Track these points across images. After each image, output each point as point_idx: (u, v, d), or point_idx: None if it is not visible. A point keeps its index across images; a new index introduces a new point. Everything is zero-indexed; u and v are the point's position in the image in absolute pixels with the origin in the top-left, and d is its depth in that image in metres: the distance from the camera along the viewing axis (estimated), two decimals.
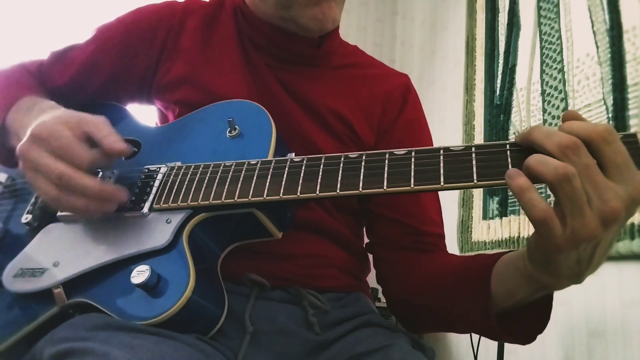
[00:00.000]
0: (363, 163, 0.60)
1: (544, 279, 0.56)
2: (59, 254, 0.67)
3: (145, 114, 0.88)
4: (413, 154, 0.58)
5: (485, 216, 2.22)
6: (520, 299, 0.62)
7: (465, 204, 2.37)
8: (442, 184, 0.55)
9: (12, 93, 0.77)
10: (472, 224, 2.32)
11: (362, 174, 0.59)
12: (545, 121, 1.88)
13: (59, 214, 0.70)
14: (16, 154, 0.64)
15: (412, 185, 0.56)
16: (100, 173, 0.75)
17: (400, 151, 0.59)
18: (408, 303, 0.81)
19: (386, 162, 0.59)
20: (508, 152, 0.54)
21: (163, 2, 0.89)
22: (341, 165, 0.61)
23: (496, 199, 2.15)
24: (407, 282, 0.80)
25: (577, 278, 0.54)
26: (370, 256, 0.88)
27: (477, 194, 2.30)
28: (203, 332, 0.63)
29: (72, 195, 0.61)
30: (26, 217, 0.72)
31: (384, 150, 0.60)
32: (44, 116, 0.67)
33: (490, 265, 0.66)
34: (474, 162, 0.54)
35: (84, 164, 0.62)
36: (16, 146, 0.65)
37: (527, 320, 0.64)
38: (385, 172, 0.58)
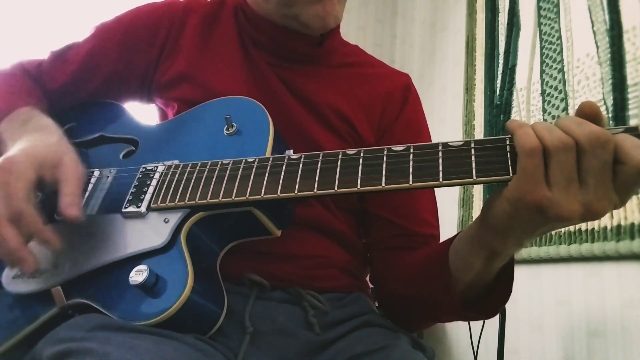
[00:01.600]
0: (361, 160, 0.60)
1: (492, 240, 0.57)
2: (58, 255, 0.67)
3: (144, 113, 0.88)
4: (411, 150, 0.58)
5: None
6: (479, 269, 0.62)
7: (465, 204, 2.36)
8: (441, 180, 0.54)
9: (11, 99, 0.77)
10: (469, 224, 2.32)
11: (360, 171, 0.59)
12: (545, 121, 1.88)
13: (57, 215, 0.70)
14: None
15: (410, 182, 0.56)
16: (99, 171, 0.75)
17: (399, 147, 0.59)
18: (392, 298, 0.81)
19: (384, 158, 0.59)
20: (507, 147, 0.53)
21: (163, 1, 0.89)
22: (339, 162, 0.61)
23: None
24: (391, 278, 0.80)
25: (521, 245, 0.57)
26: None
27: (477, 194, 2.29)
28: (202, 331, 0.63)
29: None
30: None
31: (382, 147, 0.60)
32: (32, 137, 0.67)
33: (448, 243, 0.68)
34: (473, 158, 0.54)
35: (11, 211, 0.59)
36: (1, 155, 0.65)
37: (489, 295, 0.66)
38: (384, 169, 0.58)
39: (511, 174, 0.52)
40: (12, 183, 0.60)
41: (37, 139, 0.67)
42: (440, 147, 0.57)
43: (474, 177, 0.53)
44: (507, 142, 0.54)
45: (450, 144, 0.56)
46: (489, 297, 0.66)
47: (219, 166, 0.66)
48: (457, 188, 2.42)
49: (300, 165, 0.62)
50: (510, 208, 0.52)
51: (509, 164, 0.52)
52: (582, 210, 0.49)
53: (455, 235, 0.68)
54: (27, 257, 0.61)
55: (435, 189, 0.86)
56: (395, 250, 0.82)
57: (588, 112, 0.51)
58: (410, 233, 0.82)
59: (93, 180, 0.74)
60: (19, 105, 0.76)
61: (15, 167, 0.62)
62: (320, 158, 0.62)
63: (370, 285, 0.90)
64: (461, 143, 0.56)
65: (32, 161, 0.63)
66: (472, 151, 0.55)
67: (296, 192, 0.60)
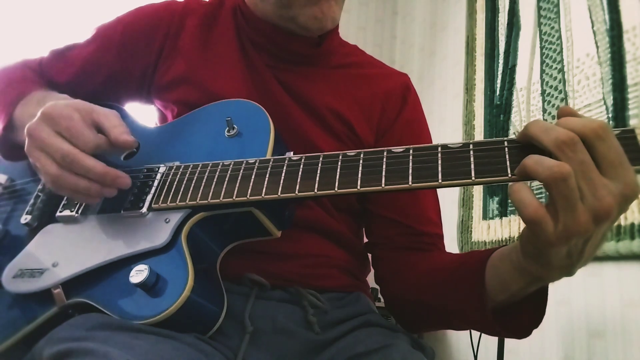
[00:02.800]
0: (361, 161, 0.60)
1: (535, 271, 0.56)
2: (58, 254, 0.67)
3: (145, 114, 0.88)
4: (411, 151, 0.58)
5: (485, 216, 2.22)
6: (515, 291, 0.62)
7: (465, 204, 2.36)
8: (440, 181, 0.55)
9: (19, 88, 0.77)
10: (472, 224, 2.32)
11: (360, 172, 0.59)
12: (545, 121, 1.88)
13: (58, 214, 0.70)
14: (25, 133, 0.64)
15: (410, 183, 0.56)
16: None
17: (398, 149, 0.59)
18: (405, 301, 0.81)
19: (384, 159, 0.59)
20: (506, 149, 0.54)
21: (162, 2, 0.89)
22: (339, 163, 0.61)
23: (496, 199, 2.15)
24: (404, 281, 0.80)
25: (569, 270, 0.55)
26: (369, 256, 0.88)
27: (477, 194, 2.29)
28: (202, 331, 0.63)
29: (74, 176, 0.62)
30: (25, 218, 0.72)
31: (382, 148, 0.60)
32: (57, 101, 0.68)
33: (484, 260, 0.66)
34: (472, 159, 0.54)
35: (88, 146, 0.63)
36: (22, 140, 0.66)
37: (522, 313, 0.65)
38: (384, 170, 0.58)
39: (509, 175, 0.52)
40: (71, 124, 0.63)
41: (60, 101, 0.68)
42: (439, 149, 0.57)
43: (473, 178, 0.53)
44: (506, 143, 0.54)
45: (449, 145, 0.57)
46: (522, 318, 0.65)
47: (220, 167, 0.66)
48: (457, 188, 2.42)
49: (301, 166, 0.62)
50: (534, 250, 0.53)
51: (508, 165, 0.52)
52: (592, 218, 0.48)
53: (488, 252, 0.67)
54: (119, 173, 0.64)
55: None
56: (402, 250, 0.82)
57: (568, 114, 0.51)
58: (416, 232, 0.82)
59: None
60: (31, 90, 0.77)
61: (62, 112, 0.64)
62: (321, 159, 0.62)
63: (370, 285, 0.90)
64: (460, 144, 0.56)
65: (71, 106, 0.65)
66: (471, 152, 0.55)
67: (297, 192, 0.60)
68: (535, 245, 0.52)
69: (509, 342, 1.80)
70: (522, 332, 0.65)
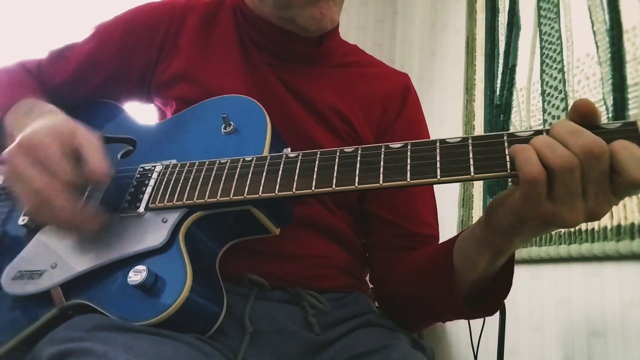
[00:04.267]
0: (359, 157, 0.60)
1: (498, 241, 0.58)
2: (57, 255, 0.67)
3: (143, 113, 0.88)
4: (409, 147, 0.58)
5: None
6: (483, 268, 0.63)
7: (465, 204, 2.36)
8: (439, 177, 0.54)
9: (11, 93, 0.77)
10: (472, 224, 2.32)
11: (357, 168, 0.59)
12: (545, 121, 1.87)
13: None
14: (1, 159, 0.63)
15: (408, 180, 0.56)
16: None
17: (396, 144, 0.59)
18: (393, 299, 0.81)
19: (382, 156, 0.59)
20: (505, 144, 0.53)
21: (163, 1, 0.89)
22: (337, 160, 0.61)
23: None
24: (392, 279, 0.80)
25: (527, 241, 0.58)
26: None
27: (477, 193, 2.29)
28: (202, 331, 0.63)
29: (48, 211, 0.61)
30: (23, 219, 0.72)
31: (380, 144, 0.60)
32: (40, 121, 0.67)
33: (451, 244, 0.68)
34: (470, 155, 0.54)
35: (62, 179, 0.61)
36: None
37: (490, 291, 0.67)
38: (381, 166, 0.58)
39: (509, 171, 0.52)
40: (46, 154, 0.61)
41: (44, 120, 0.67)
42: (437, 144, 0.57)
43: (472, 174, 0.53)
44: (505, 138, 0.54)
45: (447, 140, 0.56)
46: (489, 294, 0.67)
47: (216, 165, 0.66)
48: (457, 188, 2.41)
49: (298, 163, 0.62)
50: (515, 219, 0.54)
51: (507, 160, 0.52)
52: (585, 216, 0.50)
53: (457, 236, 0.69)
54: (85, 220, 0.63)
55: (435, 189, 0.86)
56: (396, 250, 0.82)
57: (583, 111, 0.51)
58: (411, 233, 0.82)
59: None
60: (20, 97, 0.76)
61: (38, 141, 0.62)
62: (318, 156, 0.62)
63: (371, 285, 0.90)
64: (459, 139, 0.56)
65: (50, 133, 0.63)
66: (470, 147, 0.55)
67: (294, 190, 0.60)
68: (517, 212, 0.53)
69: (508, 342, 1.80)
70: (490, 307, 0.67)
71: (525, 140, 0.52)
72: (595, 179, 0.48)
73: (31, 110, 0.73)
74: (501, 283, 0.66)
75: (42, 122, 0.67)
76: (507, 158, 0.52)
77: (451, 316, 0.74)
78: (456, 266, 0.67)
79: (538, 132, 0.52)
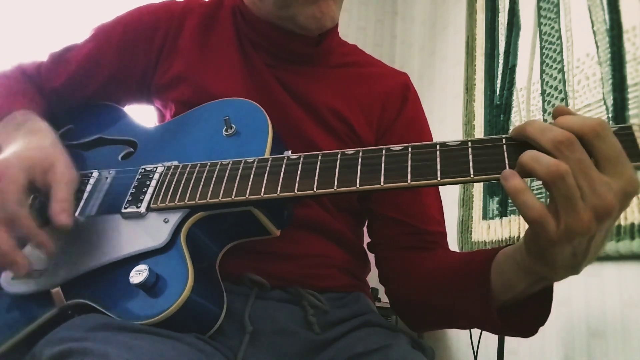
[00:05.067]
0: (360, 159, 0.60)
1: (541, 270, 0.57)
2: (57, 255, 0.67)
3: (144, 115, 0.88)
4: (410, 149, 0.58)
5: (485, 216, 2.22)
6: (520, 291, 0.62)
7: (465, 204, 2.36)
8: (439, 179, 0.55)
9: (6, 103, 0.77)
10: (472, 224, 2.32)
11: (359, 170, 0.59)
12: (545, 121, 1.88)
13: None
14: None
15: (409, 181, 0.56)
16: (97, 172, 0.75)
17: (397, 147, 0.59)
18: (410, 301, 0.81)
19: (383, 158, 0.59)
20: (504, 147, 0.54)
21: (162, 2, 0.88)
22: (338, 162, 0.61)
23: (496, 199, 2.15)
24: (409, 281, 0.80)
25: (574, 269, 0.55)
26: (372, 256, 0.88)
27: (477, 194, 2.29)
28: (202, 331, 0.63)
29: None
30: None
31: (381, 147, 0.60)
32: (24, 141, 0.67)
33: (489, 260, 0.66)
34: (470, 157, 0.55)
35: (4, 215, 0.60)
36: None
37: (527, 312, 0.65)
38: (382, 168, 0.58)
39: None
40: (4, 187, 0.61)
41: (30, 142, 0.67)
42: (438, 147, 0.57)
43: (472, 176, 0.54)
44: (504, 141, 0.54)
45: (447, 143, 0.57)
46: (527, 317, 0.65)
47: (218, 166, 0.66)
48: (457, 188, 2.42)
49: (300, 165, 0.62)
50: (538, 249, 0.53)
51: (506, 162, 0.53)
52: (593, 215, 0.48)
53: (494, 251, 0.67)
54: (18, 260, 0.61)
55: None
56: (406, 249, 0.82)
57: (564, 112, 0.51)
58: (419, 231, 0.82)
59: (92, 181, 0.74)
60: (14, 108, 0.76)
61: (6, 171, 0.62)
62: (320, 158, 0.62)
63: (371, 285, 0.89)
64: (458, 142, 0.56)
65: (23, 165, 0.63)
66: (470, 150, 0.55)
67: (296, 191, 0.60)
68: (538, 245, 0.53)
69: (509, 342, 1.80)
70: (527, 330, 0.65)
71: (524, 143, 0.52)
72: (579, 169, 0.48)
73: (22, 124, 0.73)
74: (539, 306, 0.64)
75: (25, 144, 0.67)
76: (506, 160, 0.53)
77: (474, 326, 0.73)
78: (493, 283, 0.65)
79: None
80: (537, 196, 0.50)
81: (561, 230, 0.49)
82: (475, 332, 1.83)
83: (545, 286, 0.62)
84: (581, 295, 1.61)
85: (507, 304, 0.65)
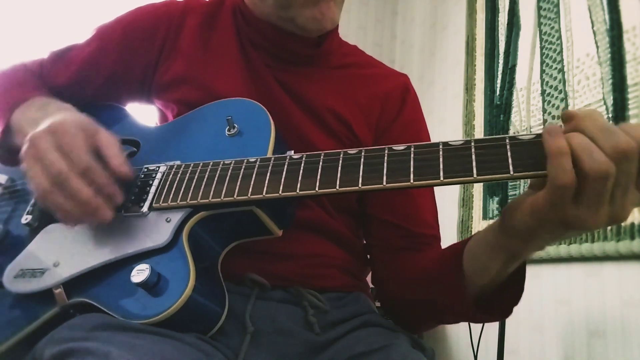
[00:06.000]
0: (362, 159, 0.60)
1: (513, 245, 0.58)
2: (59, 254, 0.67)
3: (145, 114, 0.88)
4: (412, 149, 0.58)
5: (485, 216, 2.22)
6: (495, 273, 0.63)
7: (465, 204, 2.36)
8: (441, 178, 0.55)
9: (18, 93, 0.77)
10: (472, 224, 2.32)
11: (361, 170, 0.59)
12: (545, 121, 1.88)
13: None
14: (26, 139, 0.65)
15: (411, 181, 0.56)
16: None
17: (400, 147, 0.59)
18: (398, 301, 0.81)
19: (385, 157, 0.59)
20: (508, 147, 0.54)
21: (162, 2, 0.89)
22: (340, 161, 0.61)
23: (496, 198, 2.15)
24: (397, 281, 0.80)
25: (542, 248, 0.57)
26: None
27: (477, 194, 2.29)
28: (203, 331, 0.63)
29: (61, 195, 0.62)
30: (26, 218, 0.72)
31: (383, 146, 0.60)
32: (64, 114, 0.68)
33: (461, 247, 0.68)
34: (473, 157, 0.54)
35: (80, 166, 0.62)
36: (19, 145, 0.66)
37: (502, 296, 0.66)
38: (385, 167, 0.58)
39: (511, 173, 0.52)
40: (73, 143, 0.63)
41: (66, 115, 0.69)
42: (440, 146, 0.57)
43: (475, 176, 0.53)
44: (507, 141, 0.54)
45: (450, 143, 0.57)
46: (501, 298, 0.66)
47: (220, 166, 0.66)
48: (457, 188, 2.41)
49: (302, 164, 0.62)
50: (534, 222, 0.53)
51: (510, 162, 0.52)
52: (608, 220, 0.49)
53: (466, 240, 0.68)
54: (101, 205, 0.63)
55: (435, 189, 0.86)
56: (398, 251, 0.82)
57: (569, 117, 0.51)
58: (412, 234, 0.82)
59: None
60: (28, 96, 0.77)
61: (69, 129, 0.64)
62: (322, 157, 0.62)
63: (371, 285, 0.90)
64: (461, 142, 0.56)
65: (78, 126, 0.65)
66: (473, 150, 0.55)
67: (298, 191, 0.60)
68: (538, 216, 0.52)
69: (508, 342, 1.80)
70: (502, 313, 0.67)
71: (528, 143, 0.52)
72: (624, 181, 0.48)
73: (47, 104, 0.74)
74: (512, 287, 0.66)
75: (66, 114, 0.68)
76: (510, 160, 0.53)
77: (458, 319, 0.74)
78: (466, 270, 0.66)
79: (539, 136, 0.52)
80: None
81: (573, 215, 0.49)
82: (475, 332, 1.83)
83: (518, 267, 0.64)
84: (581, 295, 1.61)
85: (485, 291, 0.66)
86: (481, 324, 1.78)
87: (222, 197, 0.63)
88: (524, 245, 0.58)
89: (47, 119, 0.66)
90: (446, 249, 0.75)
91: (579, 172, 0.48)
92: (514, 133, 2.07)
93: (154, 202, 0.67)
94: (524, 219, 0.54)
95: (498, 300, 0.67)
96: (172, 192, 0.66)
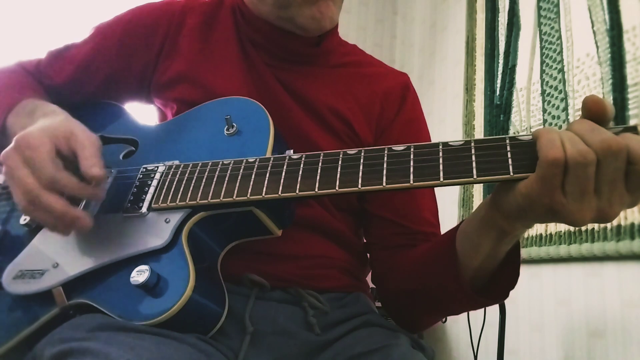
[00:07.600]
0: (362, 159, 0.60)
1: (502, 220, 0.58)
2: (59, 255, 0.67)
3: (144, 113, 0.88)
4: (412, 149, 0.58)
5: None
6: (487, 252, 0.63)
7: (465, 204, 2.36)
8: (441, 179, 0.55)
9: (12, 95, 0.77)
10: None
11: (361, 170, 0.59)
12: (545, 121, 1.88)
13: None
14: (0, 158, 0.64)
15: (411, 182, 0.56)
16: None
17: (399, 147, 0.59)
18: (395, 294, 0.81)
19: (385, 158, 0.59)
20: (508, 147, 0.54)
21: (162, 1, 0.89)
22: (340, 162, 0.61)
23: None
24: (394, 274, 0.80)
25: (531, 226, 0.58)
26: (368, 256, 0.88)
27: (477, 194, 2.29)
28: (204, 331, 0.63)
29: (39, 211, 0.62)
30: (25, 218, 0.72)
31: (383, 147, 0.60)
32: (41, 121, 0.68)
33: (454, 229, 0.68)
34: (473, 158, 0.54)
35: (42, 181, 0.61)
36: None
37: (498, 279, 0.66)
38: (385, 168, 0.58)
39: (511, 173, 0.52)
40: (35, 156, 0.62)
41: (45, 121, 0.68)
42: (440, 147, 0.57)
43: (475, 177, 0.53)
44: (507, 141, 0.54)
45: (450, 143, 0.57)
46: (497, 281, 0.67)
47: (219, 166, 0.66)
48: (457, 188, 2.41)
49: (301, 165, 0.62)
50: (524, 203, 0.53)
51: (510, 163, 0.52)
52: (595, 216, 0.50)
53: (460, 223, 0.68)
54: (79, 215, 0.63)
55: (435, 189, 0.86)
56: (397, 248, 0.82)
57: (593, 109, 0.51)
58: (412, 231, 0.82)
59: None
60: (22, 97, 0.77)
61: (32, 141, 0.63)
62: (321, 158, 0.62)
63: (371, 285, 0.90)
64: (461, 142, 0.56)
65: (46, 134, 0.64)
66: (473, 150, 0.55)
67: (297, 191, 0.60)
68: (528, 193, 0.52)
69: (508, 342, 1.80)
70: (498, 294, 0.67)
71: (528, 143, 0.52)
72: (611, 177, 0.48)
73: (34, 111, 0.74)
74: (508, 271, 0.66)
75: (42, 122, 0.67)
76: (510, 161, 0.52)
77: (457, 306, 0.74)
78: (459, 250, 0.66)
79: None
80: None
81: (558, 202, 0.50)
82: (475, 332, 1.83)
83: (513, 249, 0.64)
84: (581, 295, 1.61)
85: (479, 273, 0.66)
86: (481, 324, 1.78)
87: (221, 198, 0.63)
88: (511, 224, 0.58)
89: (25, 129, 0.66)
90: (441, 234, 0.75)
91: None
92: (514, 133, 2.07)
93: (152, 202, 0.67)
94: (515, 198, 0.54)
95: (493, 283, 0.67)
96: (171, 192, 0.66)
